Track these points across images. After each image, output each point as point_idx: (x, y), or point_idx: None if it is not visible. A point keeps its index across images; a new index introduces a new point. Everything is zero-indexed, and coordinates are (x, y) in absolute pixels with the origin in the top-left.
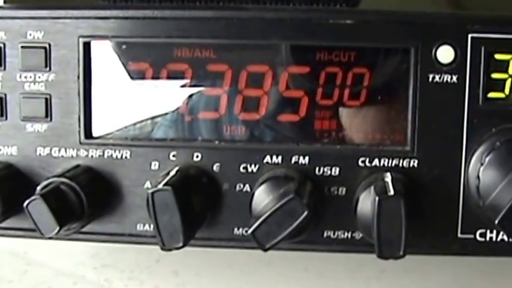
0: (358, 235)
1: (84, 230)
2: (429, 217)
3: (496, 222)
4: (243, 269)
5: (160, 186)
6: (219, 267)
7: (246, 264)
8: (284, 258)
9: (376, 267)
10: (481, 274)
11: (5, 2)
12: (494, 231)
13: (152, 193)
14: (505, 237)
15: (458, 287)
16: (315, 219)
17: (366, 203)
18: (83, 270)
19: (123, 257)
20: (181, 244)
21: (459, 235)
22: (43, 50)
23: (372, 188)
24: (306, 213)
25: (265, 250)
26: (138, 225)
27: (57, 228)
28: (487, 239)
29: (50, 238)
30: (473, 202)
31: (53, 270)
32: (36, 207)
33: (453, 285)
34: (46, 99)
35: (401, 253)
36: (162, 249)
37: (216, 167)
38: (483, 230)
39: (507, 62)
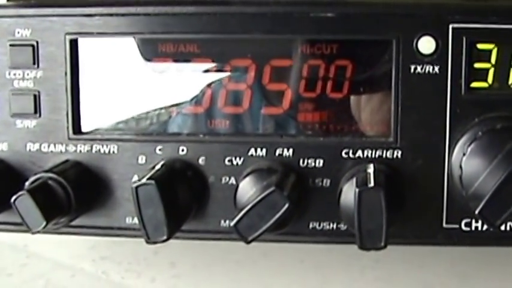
0: (343, 226)
1: (73, 223)
2: (413, 207)
3: (477, 212)
4: (240, 261)
5: (143, 180)
6: (215, 258)
7: (242, 256)
8: (280, 249)
9: (371, 257)
10: (476, 263)
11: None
12: (480, 221)
13: (136, 187)
14: None
15: (454, 276)
16: (299, 211)
17: (349, 194)
18: (81, 263)
19: (121, 249)
20: (165, 237)
21: (444, 225)
22: (31, 48)
23: (354, 179)
24: (287, 205)
25: (248, 243)
26: (127, 219)
27: (44, 223)
28: (473, 228)
29: (38, 232)
30: (458, 192)
31: (51, 263)
32: (23, 202)
33: (448, 275)
34: (35, 95)
35: (382, 244)
36: (147, 242)
37: (201, 160)
38: (468, 220)
39: (489, 51)
